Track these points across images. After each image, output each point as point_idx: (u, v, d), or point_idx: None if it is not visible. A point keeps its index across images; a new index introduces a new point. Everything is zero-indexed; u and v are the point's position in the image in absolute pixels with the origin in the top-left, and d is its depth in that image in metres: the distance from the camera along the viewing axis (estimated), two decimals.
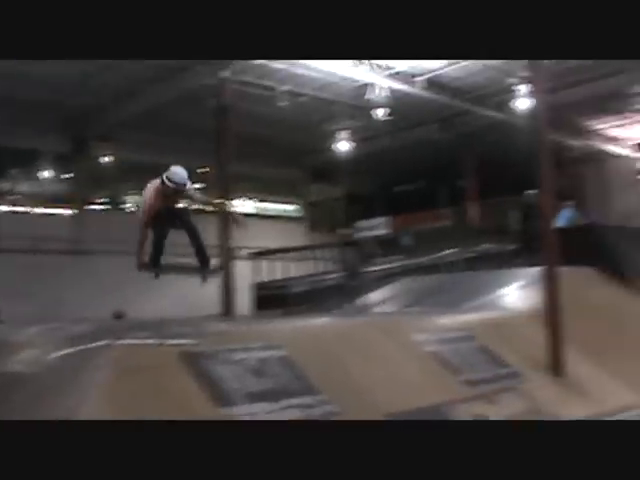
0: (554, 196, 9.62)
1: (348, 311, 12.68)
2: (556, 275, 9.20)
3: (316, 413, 6.73)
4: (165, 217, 7.28)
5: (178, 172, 7.29)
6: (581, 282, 11.75)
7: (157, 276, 7.37)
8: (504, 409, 7.64)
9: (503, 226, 20.48)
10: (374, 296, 13.53)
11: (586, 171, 24.65)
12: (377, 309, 12.38)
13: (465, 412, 7.41)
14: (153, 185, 7.56)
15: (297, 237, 22.04)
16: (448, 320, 9.57)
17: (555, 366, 8.81)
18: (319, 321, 10.46)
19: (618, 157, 23.05)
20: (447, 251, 16.65)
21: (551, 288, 9.17)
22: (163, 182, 7.31)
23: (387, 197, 29.53)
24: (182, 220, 7.31)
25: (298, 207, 28.02)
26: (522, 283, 11.75)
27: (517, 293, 11.67)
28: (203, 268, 7.11)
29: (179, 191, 7.22)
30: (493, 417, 7.42)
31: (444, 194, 27.75)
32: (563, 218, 17.09)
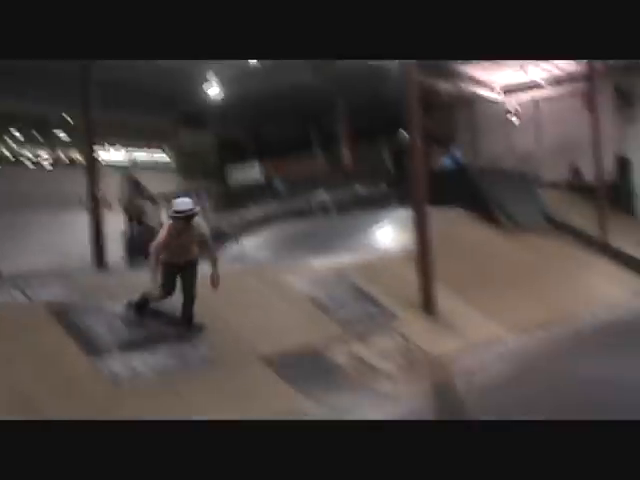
0: (424, 139, 9.82)
1: (222, 258, 12.60)
2: (426, 216, 9.42)
3: (190, 359, 6.71)
4: (177, 268, 6.91)
5: (179, 202, 6.97)
6: (451, 222, 12.12)
7: (137, 315, 7.00)
8: (377, 347, 7.85)
9: (376, 169, 20.72)
10: (248, 243, 13.49)
11: (457, 114, 25.19)
12: (251, 255, 12.37)
13: (340, 351, 7.57)
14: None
15: (169, 186, 21.51)
16: (322, 263, 9.67)
17: (427, 304, 9.09)
18: None
19: (487, 100, 23.64)
20: (320, 195, 16.71)
21: (421, 229, 9.40)
22: (170, 217, 6.95)
23: (260, 143, 29.31)
24: (187, 277, 6.94)
25: (169, 155, 27.40)
26: (394, 224, 11.99)
27: (389, 234, 11.92)
28: (185, 324, 6.88)
29: (188, 218, 6.82)
30: (367, 355, 7.61)
31: (318, 139, 27.80)
32: (447, 161, 17.50)
